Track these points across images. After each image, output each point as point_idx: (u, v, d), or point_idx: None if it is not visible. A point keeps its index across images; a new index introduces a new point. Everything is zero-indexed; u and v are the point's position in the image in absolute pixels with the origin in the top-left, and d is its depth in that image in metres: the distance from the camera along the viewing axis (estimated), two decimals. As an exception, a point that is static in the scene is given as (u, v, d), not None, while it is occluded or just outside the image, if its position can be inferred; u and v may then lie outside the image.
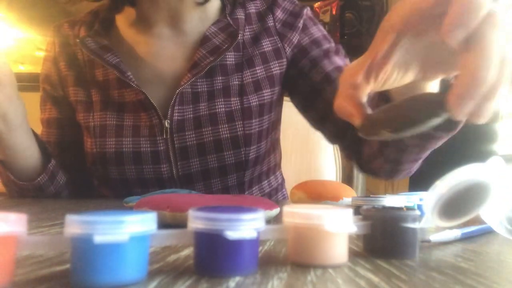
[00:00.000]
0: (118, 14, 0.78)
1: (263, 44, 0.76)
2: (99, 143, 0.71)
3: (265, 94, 0.74)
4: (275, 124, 0.80)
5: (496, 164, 0.27)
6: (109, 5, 0.76)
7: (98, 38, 0.73)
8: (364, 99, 0.35)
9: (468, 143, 1.22)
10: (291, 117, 1.08)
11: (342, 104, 0.35)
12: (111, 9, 0.77)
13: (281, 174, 0.88)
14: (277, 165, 0.85)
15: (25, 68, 2.13)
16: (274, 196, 0.84)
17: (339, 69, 0.74)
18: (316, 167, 1.08)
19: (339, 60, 0.76)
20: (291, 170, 1.07)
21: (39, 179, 0.68)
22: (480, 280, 0.21)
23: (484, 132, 1.23)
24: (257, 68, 0.74)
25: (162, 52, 0.74)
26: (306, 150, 1.10)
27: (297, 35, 0.77)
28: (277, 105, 0.79)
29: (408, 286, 0.20)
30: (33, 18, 2.08)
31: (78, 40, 0.73)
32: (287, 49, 0.76)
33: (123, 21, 0.77)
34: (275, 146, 0.83)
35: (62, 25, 0.80)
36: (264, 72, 0.75)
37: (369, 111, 0.35)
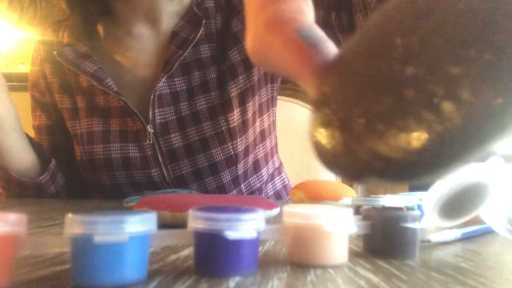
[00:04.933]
0: (94, 25, 0.76)
1: (232, 25, 0.73)
2: (87, 150, 0.71)
3: (240, 81, 0.72)
4: (265, 107, 0.77)
5: (496, 164, 0.27)
6: (83, 20, 0.74)
7: (78, 45, 0.72)
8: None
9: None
10: (291, 117, 1.08)
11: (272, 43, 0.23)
12: (85, 24, 0.75)
13: (279, 158, 0.86)
14: (274, 149, 0.83)
15: (25, 68, 2.13)
16: (271, 182, 0.82)
17: None
18: (316, 167, 1.08)
19: None
20: (291, 170, 1.07)
21: (41, 177, 0.68)
22: (480, 280, 0.21)
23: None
24: (230, 52, 0.72)
25: (142, 54, 0.73)
26: (306, 150, 1.09)
27: None
28: (262, 86, 0.75)
29: (408, 286, 0.20)
30: (33, 18, 2.08)
31: (55, 53, 0.72)
32: None
33: (104, 25, 0.76)
34: (270, 129, 0.80)
35: (47, 30, 0.79)
36: (238, 55, 0.72)
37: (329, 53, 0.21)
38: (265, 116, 0.78)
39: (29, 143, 0.68)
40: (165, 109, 0.69)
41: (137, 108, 0.69)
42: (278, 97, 0.83)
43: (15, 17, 2.02)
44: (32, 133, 0.76)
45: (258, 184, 0.77)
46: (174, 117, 0.70)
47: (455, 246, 0.31)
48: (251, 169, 0.75)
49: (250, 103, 0.73)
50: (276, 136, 0.84)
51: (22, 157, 0.67)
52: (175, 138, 0.70)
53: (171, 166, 0.70)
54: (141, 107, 0.69)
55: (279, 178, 0.85)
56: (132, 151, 0.69)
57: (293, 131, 1.09)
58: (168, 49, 0.70)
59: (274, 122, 0.82)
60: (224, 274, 0.21)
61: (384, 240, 0.26)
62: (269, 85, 0.78)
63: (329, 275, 0.22)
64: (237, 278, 0.21)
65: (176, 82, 0.70)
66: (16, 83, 1.77)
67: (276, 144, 0.84)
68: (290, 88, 1.06)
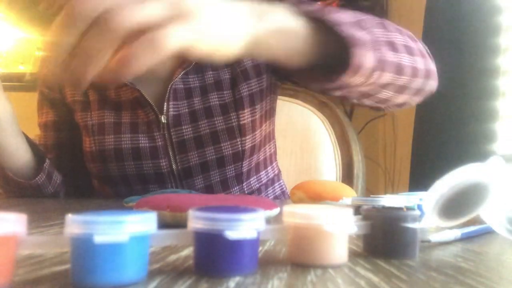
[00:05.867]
0: None
1: None
2: (98, 141, 0.72)
3: (252, 84, 0.75)
4: (268, 114, 0.81)
5: (496, 164, 0.27)
6: None
7: None
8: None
9: (468, 143, 1.22)
10: (291, 117, 1.08)
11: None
12: None
13: (277, 165, 0.88)
14: (273, 156, 0.86)
15: (25, 68, 2.13)
16: (271, 186, 0.84)
17: None
18: (316, 167, 1.08)
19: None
20: (291, 170, 1.07)
21: (37, 178, 0.68)
22: (480, 280, 0.21)
23: (484, 132, 1.23)
24: (244, 58, 0.74)
25: None
26: (306, 150, 1.09)
27: None
28: (267, 94, 0.79)
29: (408, 286, 0.20)
30: (33, 18, 2.08)
31: None
32: None
33: None
34: (270, 136, 0.83)
35: None
36: (250, 61, 0.75)
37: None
38: (267, 123, 0.80)
39: (26, 142, 0.69)
40: (179, 102, 0.71)
41: (150, 99, 0.70)
42: (278, 97, 0.85)
43: (14, 16, 2.02)
44: (31, 134, 0.76)
45: (257, 185, 0.78)
46: (187, 110, 0.72)
47: (455, 246, 0.31)
48: (254, 169, 0.77)
49: (259, 105, 0.76)
50: (275, 144, 0.86)
51: (19, 154, 0.67)
52: (186, 130, 0.71)
53: (180, 157, 0.71)
54: (154, 100, 0.71)
55: (278, 184, 0.87)
56: (143, 141, 0.71)
57: (293, 131, 1.09)
58: None
59: (273, 130, 0.86)
60: (224, 274, 0.21)
61: (384, 240, 0.26)
62: (272, 95, 0.81)
63: (329, 275, 0.22)
64: (237, 278, 0.21)
65: (190, 79, 0.72)
66: (16, 83, 1.77)
67: (275, 152, 0.87)
68: (290, 88, 1.06)
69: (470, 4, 1.22)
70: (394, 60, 0.48)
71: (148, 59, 0.31)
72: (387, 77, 0.49)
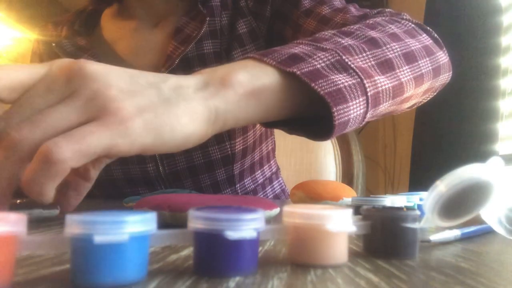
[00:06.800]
0: (107, 7, 0.78)
1: (238, 27, 0.73)
2: None
3: None
4: None
5: (496, 164, 0.27)
6: (95, 3, 0.77)
7: (77, 38, 0.73)
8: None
9: (468, 143, 1.22)
10: (291, 117, 1.08)
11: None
12: (100, 2, 0.77)
13: (276, 163, 0.87)
14: (271, 154, 0.84)
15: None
16: (269, 185, 0.83)
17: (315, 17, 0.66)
18: (316, 167, 1.08)
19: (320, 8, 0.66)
20: (291, 170, 1.07)
21: None
22: (480, 280, 0.21)
23: (485, 132, 1.23)
24: (233, 53, 0.72)
25: (143, 47, 0.74)
26: (306, 150, 1.09)
27: (269, 6, 0.73)
28: None
29: (408, 286, 0.20)
30: (33, 18, 2.08)
31: (54, 44, 0.72)
32: (261, 27, 0.73)
33: (107, 18, 0.77)
34: (267, 134, 0.81)
35: (47, 26, 0.80)
36: (240, 57, 0.73)
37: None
38: None
39: None
40: None
41: None
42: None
43: (14, 16, 2.02)
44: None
45: (253, 186, 0.78)
46: None
47: (455, 246, 0.31)
48: (247, 170, 0.76)
49: None
50: (274, 141, 0.85)
51: None
52: None
53: (167, 162, 0.70)
54: None
55: (277, 182, 0.86)
56: None
57: (293, 131, 1.09)
58: (170, 44, 0.70)
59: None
60: (224, 274, 0.21)
61: (384, 240, 0.26)
62: None
63: (329, 275, 0.22)
64: (237, 278, 0.21)
65: None
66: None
67: (273, 149, 0.85)
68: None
69: (470, 4, 1.22)
70: (391, 85, 0.41)
71: (47, 181, 0.26)
72: (384, 106, 0.42)
